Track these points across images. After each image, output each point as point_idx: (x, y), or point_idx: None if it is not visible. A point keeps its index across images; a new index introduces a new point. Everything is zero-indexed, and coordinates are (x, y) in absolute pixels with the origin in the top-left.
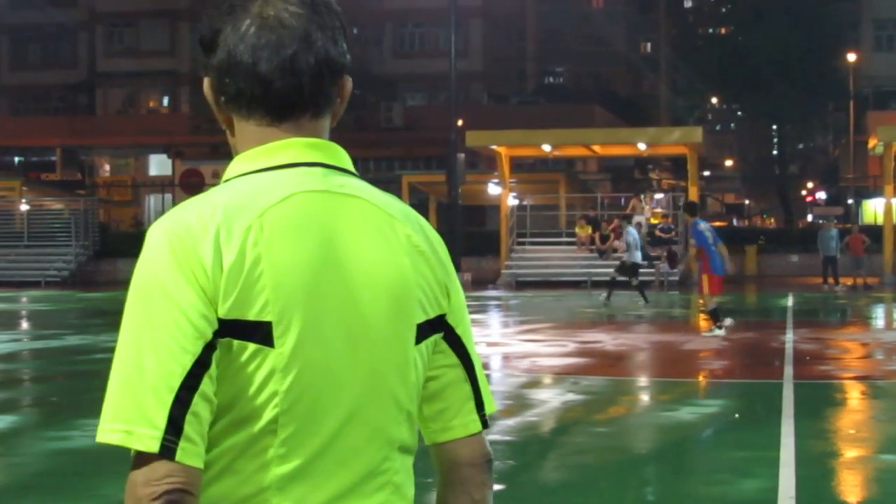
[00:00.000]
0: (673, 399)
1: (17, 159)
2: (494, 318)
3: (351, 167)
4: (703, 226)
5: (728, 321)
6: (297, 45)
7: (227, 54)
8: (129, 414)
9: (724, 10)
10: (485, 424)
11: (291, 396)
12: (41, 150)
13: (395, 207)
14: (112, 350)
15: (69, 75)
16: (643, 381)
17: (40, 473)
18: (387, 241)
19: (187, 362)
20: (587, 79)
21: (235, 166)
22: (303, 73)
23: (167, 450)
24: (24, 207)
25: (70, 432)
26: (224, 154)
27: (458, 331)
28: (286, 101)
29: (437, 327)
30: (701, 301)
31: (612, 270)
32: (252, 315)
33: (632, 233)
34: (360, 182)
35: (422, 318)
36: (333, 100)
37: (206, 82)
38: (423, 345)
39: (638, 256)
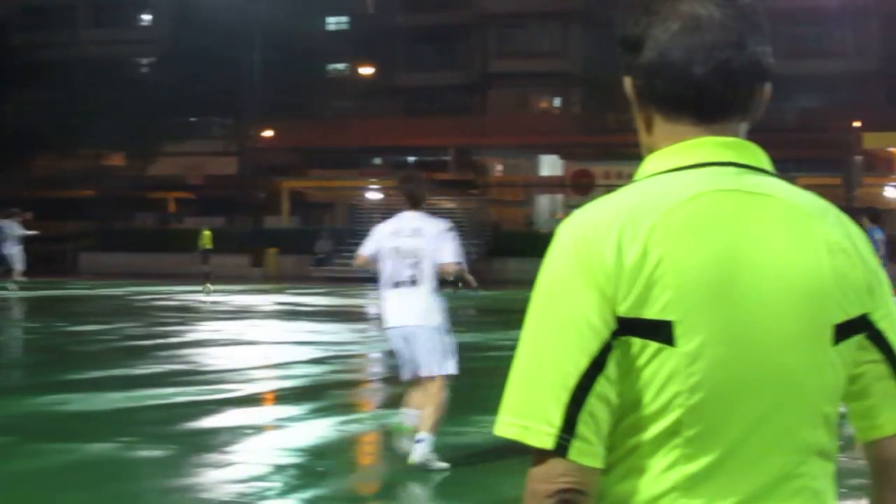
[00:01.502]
0: None
1: (410, 159)
2: None
3: (768, 166)
4: (879, 235)
5: None
6: (732, 48)
7: (658, 55)
8: (527, 410)
9: None
10: None
11: (696, 397)
12: (434, 150)
13: (814, 206)
14: (504, 348)
15: (461, 76)
16: None
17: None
18: (802, 240)
19: (583, 363)
20: None
21: (647, 165)
22: (737, 77)
23: (561, 447)
24: None
25: (464, 428)
26: (615, 155)
27: (882, 326)
28: (718, 104)
29: (858, 327)
30: None
31: None
32: (652, 314)
33: None
34: (778, 181)
35: (841, 319)
36: (758, 104)
37: (627, 81)
38: (842, 345)
39: None
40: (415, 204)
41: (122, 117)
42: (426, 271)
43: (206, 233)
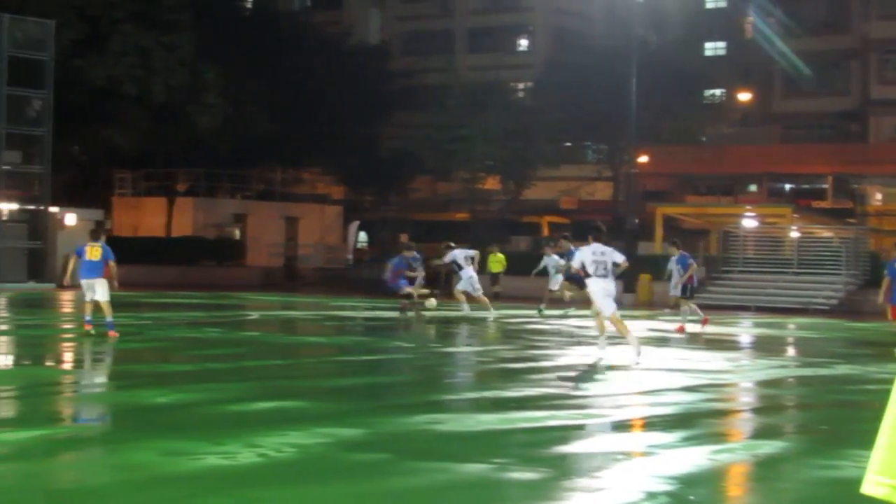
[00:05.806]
0: None
1: (787, 186)
2: None
3: None
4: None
5: None
6: None
7: None
8: None
9: None
10: None
11: None
12: (812, 178)
13: None
14: (881, 382)
15: (841, 102)
16: None
17: (804, 500)
18: None
19: None
20: None
21: None
22: None
23: None
24: (793, 235)
25: (838, 462)
26: None
27: None
28: None
29: None
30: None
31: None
32: None
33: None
34: None
35: None
36: None
37: None
38: None
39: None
40: None
41: (498, 141)
42: None
43: (499, 256)
